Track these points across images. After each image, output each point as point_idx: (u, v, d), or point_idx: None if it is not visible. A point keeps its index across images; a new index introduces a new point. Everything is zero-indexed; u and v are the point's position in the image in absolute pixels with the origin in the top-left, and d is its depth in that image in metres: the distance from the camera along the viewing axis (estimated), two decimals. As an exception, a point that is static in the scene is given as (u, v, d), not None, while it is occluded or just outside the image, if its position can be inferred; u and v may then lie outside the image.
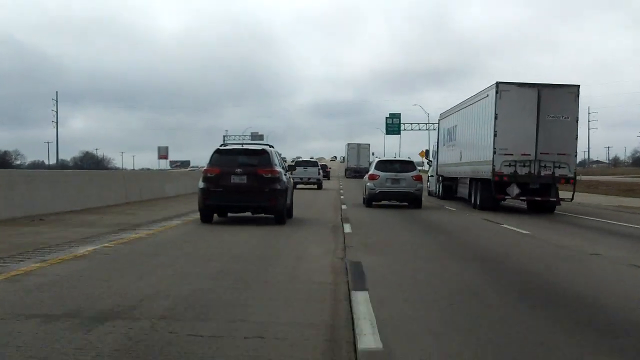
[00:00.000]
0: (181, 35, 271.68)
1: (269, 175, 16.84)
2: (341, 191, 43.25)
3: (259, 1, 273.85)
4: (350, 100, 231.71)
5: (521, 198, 24.63)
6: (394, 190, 25.89)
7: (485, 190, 25.10)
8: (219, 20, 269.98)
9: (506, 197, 24.40)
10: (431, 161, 41.02)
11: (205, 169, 17.52)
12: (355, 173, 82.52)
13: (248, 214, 18.11)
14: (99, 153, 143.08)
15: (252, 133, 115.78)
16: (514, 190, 23.95)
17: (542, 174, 23.55)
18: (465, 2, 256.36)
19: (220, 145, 18.04)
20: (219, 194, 16.84)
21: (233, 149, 17.85)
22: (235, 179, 16.78)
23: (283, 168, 18.36)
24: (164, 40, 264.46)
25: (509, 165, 23.64)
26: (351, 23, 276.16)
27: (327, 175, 67.15)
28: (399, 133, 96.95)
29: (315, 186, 45.75)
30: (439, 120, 38.33)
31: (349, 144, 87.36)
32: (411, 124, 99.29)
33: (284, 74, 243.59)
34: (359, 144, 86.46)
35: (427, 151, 47.01)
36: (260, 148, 17.72)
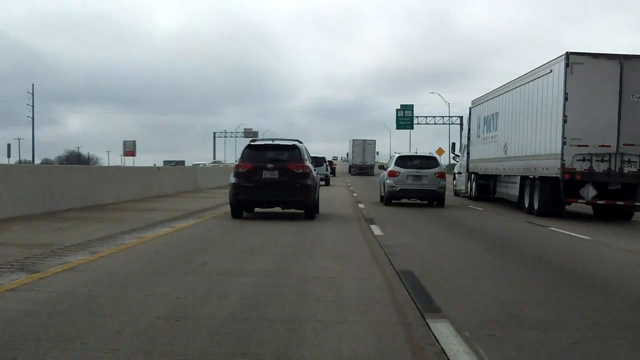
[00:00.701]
0: (178, 34, 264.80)
1: (300, 171, 17.09)
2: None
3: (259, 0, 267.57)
4: (350, 100, 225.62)
5: (599, 202, 19.29)
6: (416, 187, 24.20)
7: (548, 191, 19.92)
8: (218, 19, 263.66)
9: (579, 200, 19.19)
10: (458, 156, 35.00)
11: (236, 164, 17.70)
12: (361, 170, 78.41)
13: (277, 209, 18.05)
14: (85, 152, 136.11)
15: (245, 129, 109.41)
16: (590, 191, 18.61)
17: (625, 170, 18.27)
18: (467, 2, 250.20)
19: (251, 141, 18.39)
20: (250, 189, 16.93)
21: (264, 144, 18.19)
22: (266, 174, 16.96)
23: (311, 163, 18.32)
24: (160, 38, 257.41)
25: (583, 160, 18.38)
26: (351, 23, 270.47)
27: (333, 172, 64.90)
28: (412, 127, 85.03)
29: (323, 182, 44.25)
30: (470, 108, 32.24)
31: (353, 140, 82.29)
32: (426, 117, 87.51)
33: (283, 74, 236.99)
34: (364, 140, 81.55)
35: (454, 145, 38.57)
36: (291, 143, 17.90)
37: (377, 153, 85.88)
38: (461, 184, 33.06)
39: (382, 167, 27.40)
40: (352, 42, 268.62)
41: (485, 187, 28.50)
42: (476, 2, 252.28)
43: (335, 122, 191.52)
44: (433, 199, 24.35)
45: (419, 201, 25.00)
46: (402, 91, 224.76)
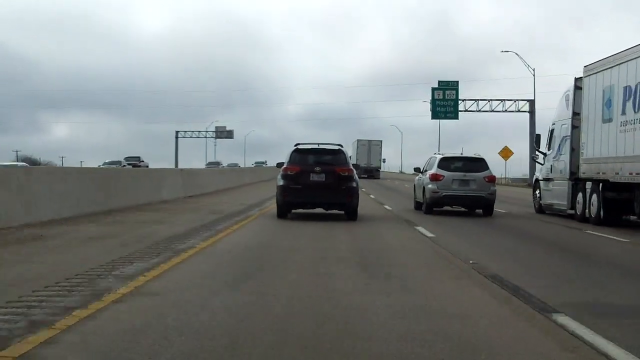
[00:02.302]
0: (166, 37, 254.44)
1: (346, 174, 18.56)
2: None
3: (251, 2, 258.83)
4: (349, 105, 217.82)
5: None
6: (462, 193, 22.63)
7: None
8: (209, 21, 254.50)
9: None
10: (544, 154, 24.99)
11: (284, 167, 18.87)
12: (366, 173, 75.37)
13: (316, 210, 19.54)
14: (36, 157, 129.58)
15: (217, 128, 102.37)
16: None
17: None
18: (468, 3, 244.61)
19: (297, 145, 19.47)
20: (298, 191, 18.30)
21: (311, 148, 19.47)
22: (314, 177, 18.36)
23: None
24: (145, 41, 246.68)
25: None
26: (348, 26, 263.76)
27: None
28: (457, 116, 61.95)
29: None
30: (577, 80, 22.25)
31: (358, 140, 79.74)
32: (476, 100, 62.60)
33: (277, 79, 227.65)
34: (369, 141, 79.09)
35: (538, 138, 27.01)
36: (336, 148, 19.46)
37: (384, 161, 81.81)
38: (554, 196, 23.50)
39: (419, 170, 25.76)
40: (351, 46, 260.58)
41: (621, 204, 19.30)
42: (476, 5, 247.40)
43: (332, 129, 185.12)
44: (481, 206, 22.91)
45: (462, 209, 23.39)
46: (402, 96, 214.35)
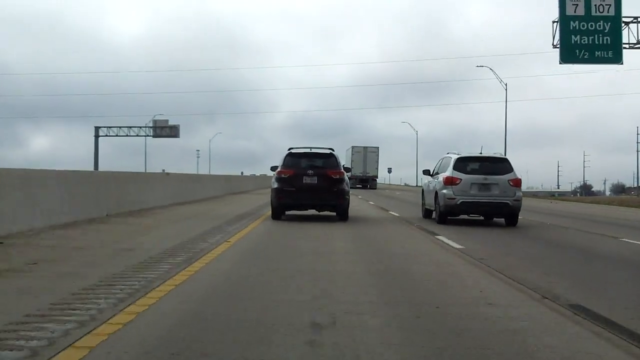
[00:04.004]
0: (144, 41, 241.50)
1: (337, 177, 20.17)
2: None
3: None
4: (335, 114, 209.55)
5: None
6: (483, 200, 20.00)
7: None
8: (191, 23, 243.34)
9: None
10: None
11: (279, 170, 20.41)
12: (361, 182, 72.88)
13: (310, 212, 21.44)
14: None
15: (155, 122, 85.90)
16: None
17: None
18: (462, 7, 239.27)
19: (290, 149, 21.12)
20: (292, 193, 19.91)
21: (304, 152, 21.10)
22: (306, 180, 19.94)
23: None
24: (120, 47, 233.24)
25: None
26: (335, 33, 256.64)
27: None
28: (619, 58, 32.62)
29: None
30: None
31: (353, 147, 76.65)
32: None
33: (263, 86, 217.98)
34: (365, 147, 75.88)
35: None
36: (328, 152, 21.08)
37: (390, 170, 76.89)
38: None
39: (428, 172, 22.84)
40: (339, 52, 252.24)
41: None
42: (472, 8, 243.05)
43: (323, 138, 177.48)
44: (504, 215, 20.48)
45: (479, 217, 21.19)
46: (395, 103, 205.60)
